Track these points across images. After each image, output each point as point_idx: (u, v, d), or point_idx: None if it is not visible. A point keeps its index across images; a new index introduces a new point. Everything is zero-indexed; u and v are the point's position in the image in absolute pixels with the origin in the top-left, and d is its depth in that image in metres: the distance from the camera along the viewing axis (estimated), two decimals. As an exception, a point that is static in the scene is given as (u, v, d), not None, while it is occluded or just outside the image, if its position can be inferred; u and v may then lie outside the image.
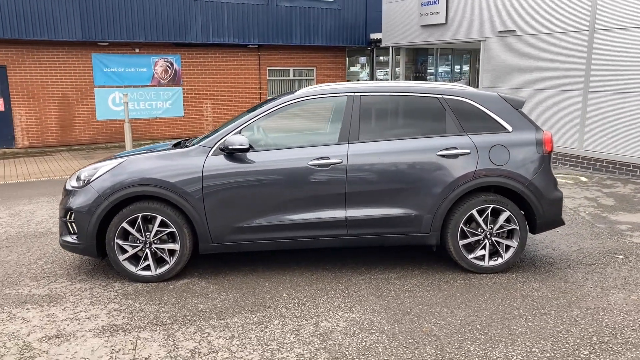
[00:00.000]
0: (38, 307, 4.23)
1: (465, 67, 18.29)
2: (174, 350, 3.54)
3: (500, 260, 4.93)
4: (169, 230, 4.70)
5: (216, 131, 4.93)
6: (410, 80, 19.62)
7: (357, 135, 4.84)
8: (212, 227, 4.71)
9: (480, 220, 4.86)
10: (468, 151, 4.82)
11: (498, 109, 4.99)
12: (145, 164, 4.74)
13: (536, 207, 4.89)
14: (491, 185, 4.89)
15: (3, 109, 14.34)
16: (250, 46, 16.91)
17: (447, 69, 17.94)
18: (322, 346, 3.58)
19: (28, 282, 4.77)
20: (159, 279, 4.75)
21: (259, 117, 4.87)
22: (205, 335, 3.75)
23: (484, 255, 4.91)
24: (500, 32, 11.65)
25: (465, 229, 4.86)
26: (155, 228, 4.69)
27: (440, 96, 4.97)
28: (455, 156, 4.81)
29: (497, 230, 4.89)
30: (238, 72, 17.22)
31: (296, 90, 5.09)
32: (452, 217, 4.85)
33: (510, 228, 4.91)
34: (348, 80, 20.87)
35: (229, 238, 4.76)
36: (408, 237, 4.89)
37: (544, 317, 4.01)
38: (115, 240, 4.68)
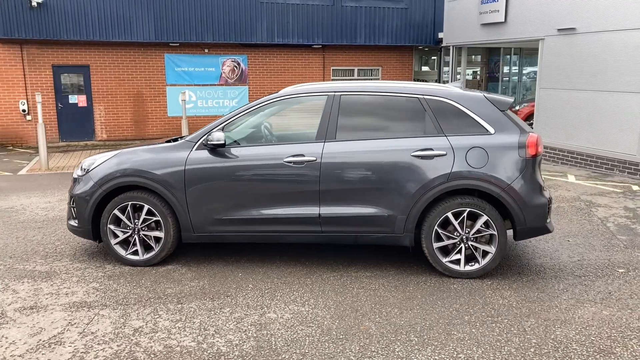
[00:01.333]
0: (32, 282, 4.74)
1: (533, 68, 17.43)
2: (121, 327, 3.85)
3: (477, 266, 4.80)
4: (155, 218, 5.06)
5: (204, 128, 5.21)
6: (482, 80, 19.05)
7: (335, 134, 4.92)
8: (193, 218, 5.00)
9: (455, 223, 4.76)
10: (444, 153, 4.75)
11: (481, 110, 4.86)
12: (135, 156, 5.13)
13: (515, 213, 4.71)
14: (472, 189, 4.79)
15: (85, 105, 15.71)
16: (315, 46, 17.21)
17: (517, 69, 17.21)
18: (255, 335, 3.74)
19: (37, 260, 5.33)
20: (145, 264, 5.12)
21: (241, 114, 5.09)
22: (157, 316, 4.03)
23: (459, 260, 4.81)
24: (559, 30, 11.05)
25: (440, 231, 4.79)
26: (143, 216, 5.06)
27: (421, 96, 4.93)
28: (430, 157, 4.75)
29: (474, 234, 4.77)
30: (302, 72, 17.60)
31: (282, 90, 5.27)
32: (426, 219, 4.80)
33: (488, 233, 4.77)
34: (417, 80, 20.64)
35: (209, 229, 5.03)
36: (381, 237, 4.90)
37: (493, 325, 3.89)
38: (108, 226, 5.10)
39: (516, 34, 12.31)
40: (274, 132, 5.52)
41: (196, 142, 5.04)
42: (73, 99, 15.56)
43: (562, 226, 6.52)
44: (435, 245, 4.81)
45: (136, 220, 5.09)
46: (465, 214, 4.74)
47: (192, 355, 3.46)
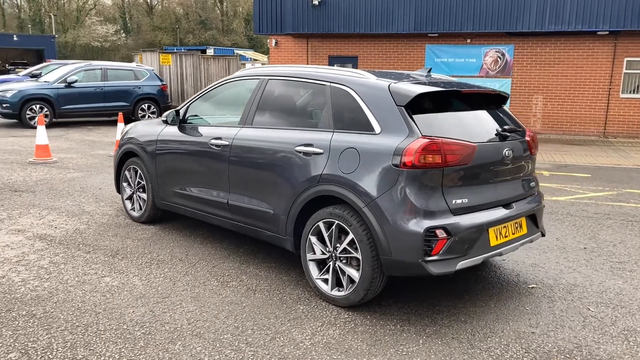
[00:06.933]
0: (51, 213, 6.14)
1: None
2: (18, 256, 4.78)
3: (342, 293, 3.90)
4: (143, 182, 5.82)
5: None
6: None
7: (252, 120, 4.67)
8: (160, 186, 5.55)
9: (325, 235, 3.97)
10: (321, 151, 3.98)
11: (375, 103, 3.83)
12: (137, 127, 5.95)
13: (378, 238, 3.60)
14: (339, 198, 3.88)
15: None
16: (600, 33, 14.37)
17: None
18: (62, 288, 4.10)
19: (80, 198, 6.81)
20: (137, 220, 5.95)
21: (199, 96, 5.32)
22: (52, 256, 4.79)
23: (328, 280, 3.99)
24: None
25: (313, 242, 4.06)
26: (137, 179, 5.89)
27: (328, 84, 4.19)
28: (309, 154, 4.06)
29: (341, 253, 3.88)
30: (582, 64, 14.96)
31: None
32: (305, 224, 4.14)
33: (353, 255, 3.80)
34: None
35: (169, 199, 5.48)
36: (271, 236, 4.44)
37: (224, 345, 3.26)
38: (122, 183, 6.14)
39: None
40: (217, 113, 5.49)
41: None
42: (343, 86, 17.27)
43: (627, 287, 4.35)
44: (308, 256, 4.11)
45: (136, 181, 5.96)
46: (334, 227, 3.89)
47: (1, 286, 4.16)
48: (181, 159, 5.24)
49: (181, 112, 5.34)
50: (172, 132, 5.38)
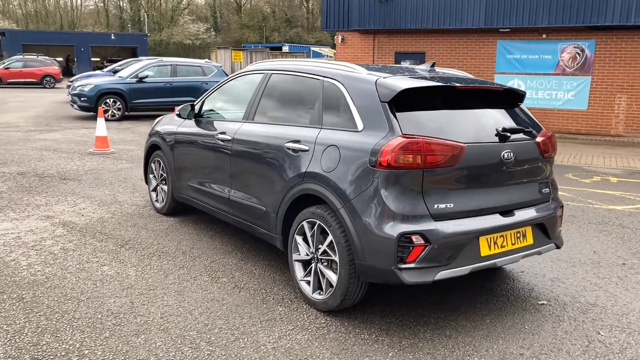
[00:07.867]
0: (85, 202, 6.39)
1: None
2: (35, 241, 5.00)
3: (322, 297, 3.73)
4: (165, 175, 5.92)
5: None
6: None
7: (254, 115, 4.60)
8: (177, 179, 5.61)
9: (308, 235, 3.81)
10: (307, 148, 3.82)
11: (363, 99, 3.61)
12: (162, 121, 6.05)
13: (352, 241, 3.39)
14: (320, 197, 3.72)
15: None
16: (695, 26, 12.96)
17: None
18: (62, 275, 4.26)
19: (119, 188, 7.05)
20: (159, 211, 6.06)
21: (214, 90, 5.31)
22: (64, 242, 4.98)
23: (310, 282, 3.84)
24: None
25: (298, 241, 3.92)
26: (159, 171, 6.00)
27: (322, 78, 4.02)
28: (296, 151, 3.91)
29: (321, 255, 3.71)
30: (673, 61, 13.58)
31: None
32: (292, 223, 4.01)
33: (331, 258, 3.62)
34: None
35: (185, 192, 5.52)
36: (264, 234, 4.34)
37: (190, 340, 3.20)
38: (148, 174, 6.29)
39: None
40: (231, 108, 5.40)
41: (190, 112, 5.56)
42: (410, 83, 16.81)
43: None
44: (294, 256, 3.97)
45: (160, 173, 6.07)
46: (316, 228, 3.73)
47: (6, 267, 4.36)
48: (193, 153, 5.27)
49: (197, 106, 5.36)
50: (188, 126, 5.41)
